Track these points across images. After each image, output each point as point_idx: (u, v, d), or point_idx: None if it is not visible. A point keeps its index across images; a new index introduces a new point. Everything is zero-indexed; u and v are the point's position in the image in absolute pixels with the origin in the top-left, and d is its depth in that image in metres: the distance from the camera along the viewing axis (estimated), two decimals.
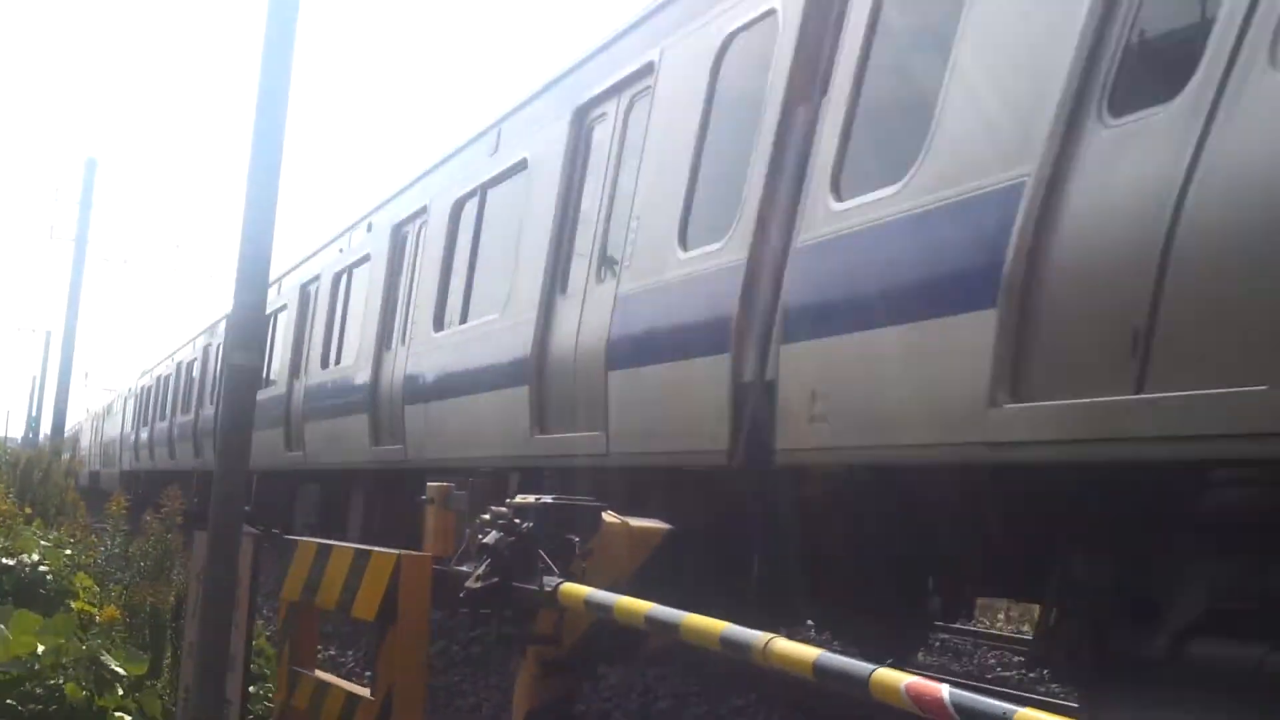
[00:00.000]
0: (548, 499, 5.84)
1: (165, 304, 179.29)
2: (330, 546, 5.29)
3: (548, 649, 5.55)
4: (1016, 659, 15.18)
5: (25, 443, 58.59)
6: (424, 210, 14.05)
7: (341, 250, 17.97)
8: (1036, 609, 7.12)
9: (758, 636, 3.72)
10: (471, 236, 12.44)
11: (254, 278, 5.68)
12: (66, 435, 52.20)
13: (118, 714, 7.58)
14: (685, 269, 7.97)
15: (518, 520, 5.57)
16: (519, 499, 5.95)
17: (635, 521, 5.95)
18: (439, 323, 12.75)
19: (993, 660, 15.35)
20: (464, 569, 5.65)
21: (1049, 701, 9.72)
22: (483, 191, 12.29)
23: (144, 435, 40.39)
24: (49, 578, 11.61)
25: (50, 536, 13.89)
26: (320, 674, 5.43)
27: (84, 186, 44.13)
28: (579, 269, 9.75)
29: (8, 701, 7.42)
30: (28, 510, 16.35)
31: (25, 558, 11.82)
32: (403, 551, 4.81)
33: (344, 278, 17.42)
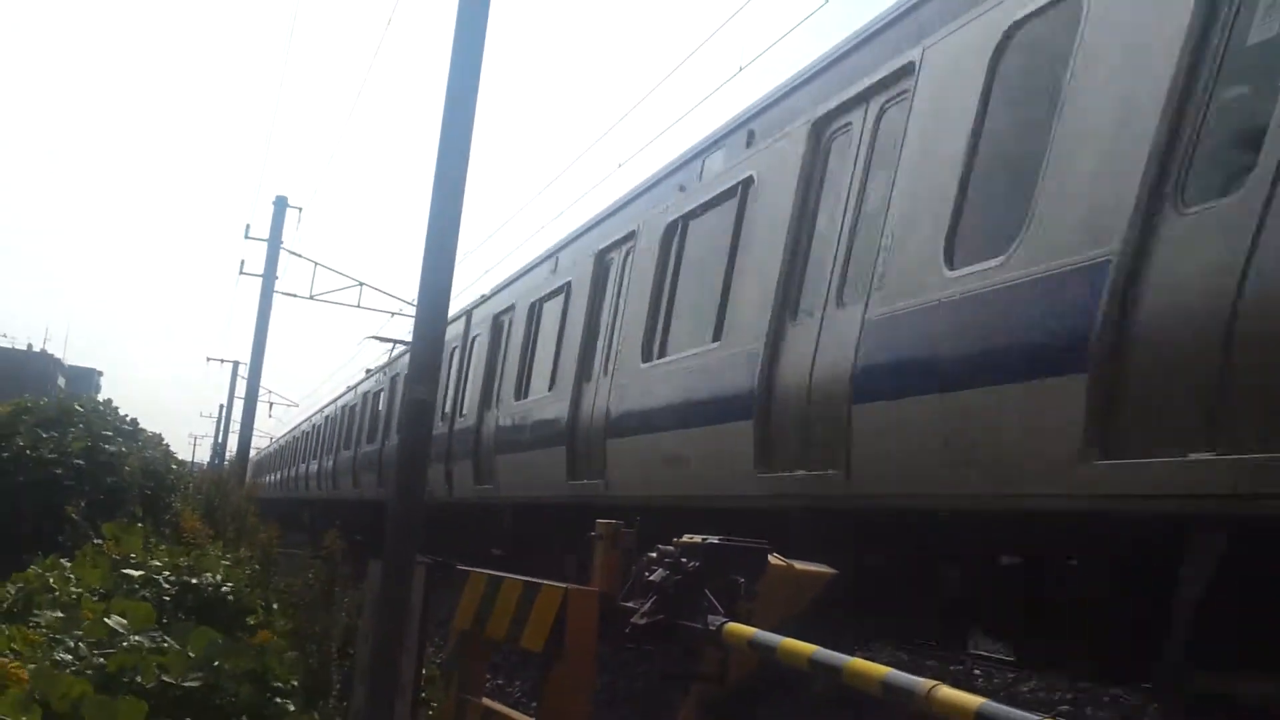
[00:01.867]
0: (714, 539, 5.88)
1: (346, 338, 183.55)
2: (501, 578, 5.39)
3: (711, 689, 5.58)
4: None
5: (211, 468, 60.44)
6: (632, 235, 13.56)
7: (538, 279, 17.59)
8: None
9: (920, 683, 3.71)
10: (684, 261, 12.06)
11: (433, 314, 5.84)
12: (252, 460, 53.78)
13: None
14: (979, 284, 7.07)
15: (684, 559, 5.62)
16: (686, 538, 5.99)
17: (800, 565, 5.96)
18: (648, 352, 12.26)
19: None
20: (630, 605, 5.72)
21: None
22: (702, 211, 11.79)
23: (328, 464, 41.43)
24: (230, 597, 12.00)
25: (228, 557, 14.36)
26: (488, 702, 5.53)
27: (273, 223, 45.45)
28: (814, 293, 9.12)
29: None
30: (210, 531, 16.90)
31: (208, 577, 12.24)
32: (570, 586, 4.89)
33: (540, 307, 17.05)
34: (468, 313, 21.95)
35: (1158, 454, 5.34)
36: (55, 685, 6.84)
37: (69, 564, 12.28)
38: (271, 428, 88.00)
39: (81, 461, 20.85)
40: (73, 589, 11.13)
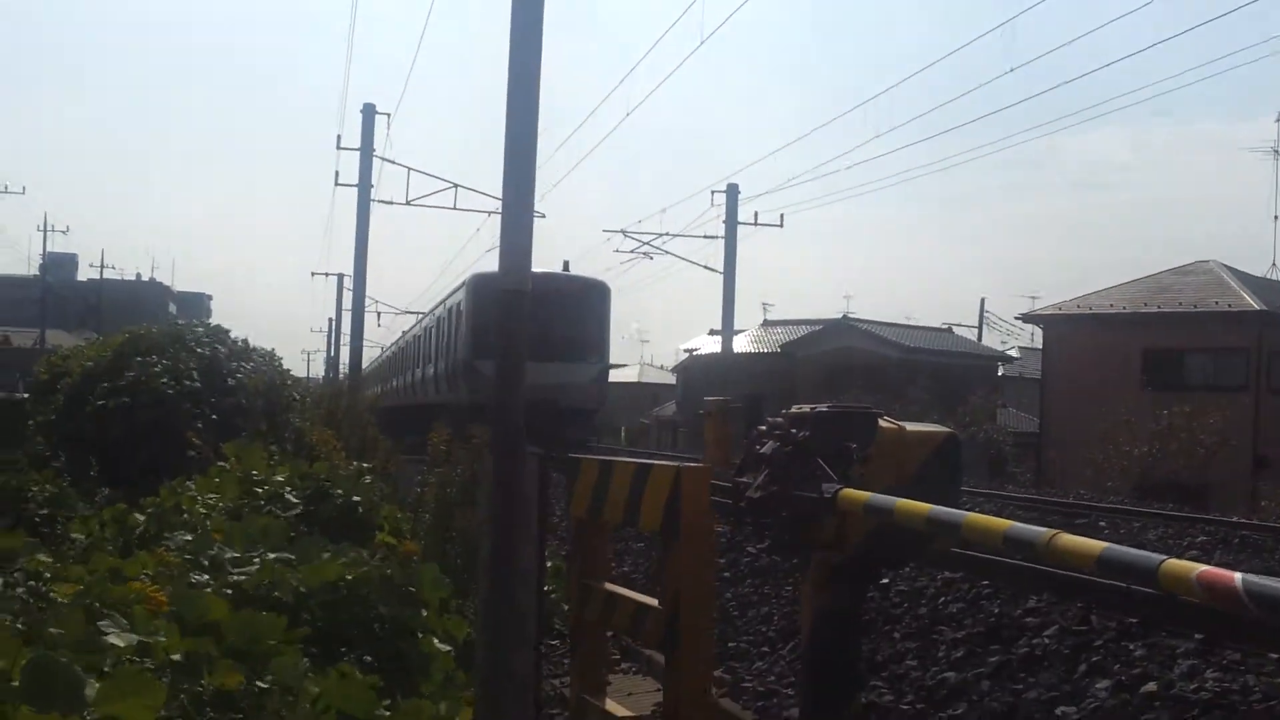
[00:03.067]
0: (823, 407, 5.83)
1: (447, 240, 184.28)
2: (612, 463, 5.39)
3: (830, 555, 5.56)
4: None
5: (326, 383, 61.26)
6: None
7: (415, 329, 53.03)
8: None
9: (1041, 533, 3.66)
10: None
11: (519, 211, 5.81)
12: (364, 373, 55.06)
13: (427, 636, 7.98)
14: None
15: (794, 430, 5.58)
16: (794, 409, 5.96)
17: (911, 426, 5.89)
18: (421, 363, 50.00)
19: None
20: (744, 479, 5.70)
21: None
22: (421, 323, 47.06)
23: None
24: (360, 510, 12.18)
25: (353, 469, 14.56)
26: (610, 586, 5.57)
27: (363, 131, 45.54)
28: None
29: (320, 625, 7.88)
30: (338, 444, 17.12)
31: (338, 490, 12.43)
32: (683, 464, 4.89)
33: (415, 339, 53.24)
34: (401, 333, 56.56)
35: None
36: (193, 606, 6.98)
37: (193, 486, 12.52)
38: (381, 337, 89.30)
39: (199, 384, 21.26)
40: (200, 509, 11.36)
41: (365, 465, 15.44)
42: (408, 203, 46.44)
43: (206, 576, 8.45)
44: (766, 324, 74.40)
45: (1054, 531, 3.62)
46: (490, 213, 48.47)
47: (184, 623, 6.90)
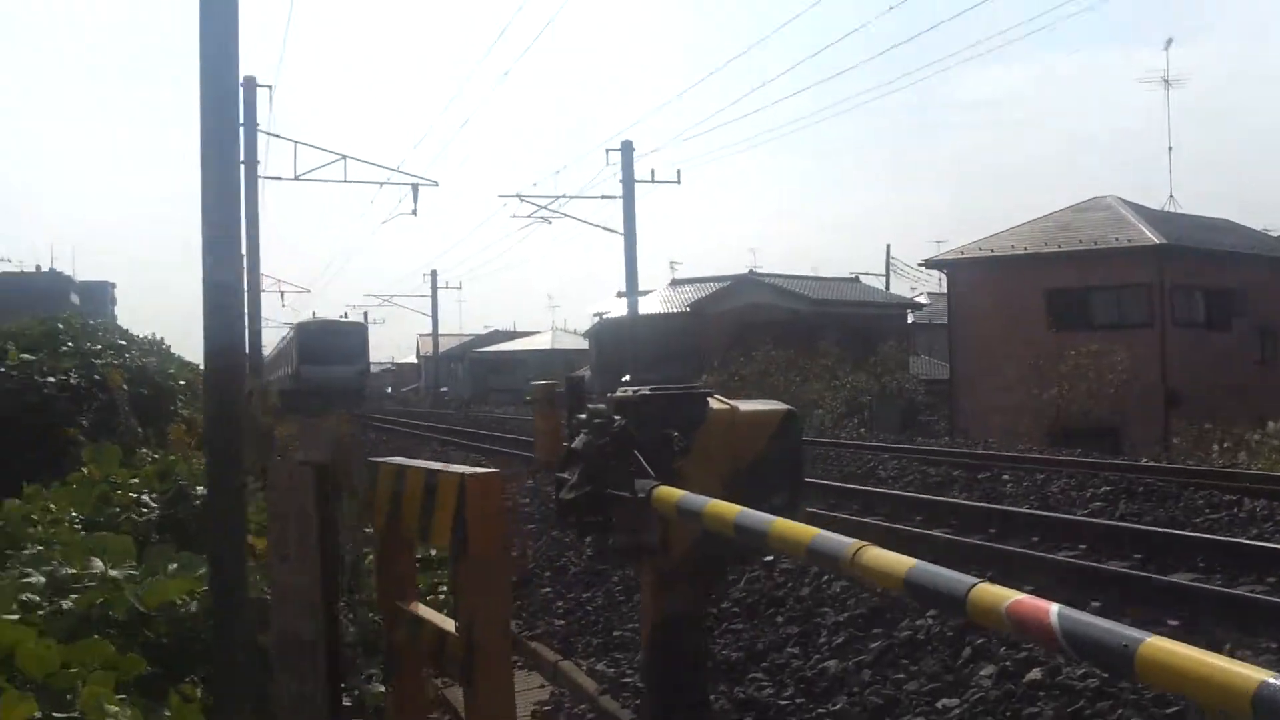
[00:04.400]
0: (645, 390, 5.24)
1: (348, 215, 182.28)
2: (405, 470, 4.76)
3: (659, 563, 4.99)
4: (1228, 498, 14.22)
5: None
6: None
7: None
8: None
9: (845, 546, 3.08)
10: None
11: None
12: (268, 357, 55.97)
13: None
14: None
15: (611, 419, 4.98)
16: (620, 393, 5.36)
17: (746, 406, 5.31)
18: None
19: (1200, 501, 14.40)
20: (565, 476, 5.11)
21: None
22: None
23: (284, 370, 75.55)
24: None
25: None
26: (418, 607, 4.94)
27: (245, 105, 44.31)
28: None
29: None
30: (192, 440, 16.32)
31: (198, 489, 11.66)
32: (469, 469, 4.25)
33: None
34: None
35: None
36: None
37: (49, 493, 11.73)
38: (289, 315, 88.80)
39: (76, 380, 20.36)
40: (48, 521, 10.61)
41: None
42: (296, 177, 45.50)
43: (39, 598, 7.77)
44: (675, 283, 73.90)
45: (859, 545, 3.05)
46: (382, 184, 47.78)
47: None
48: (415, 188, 46.64)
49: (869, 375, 44.85)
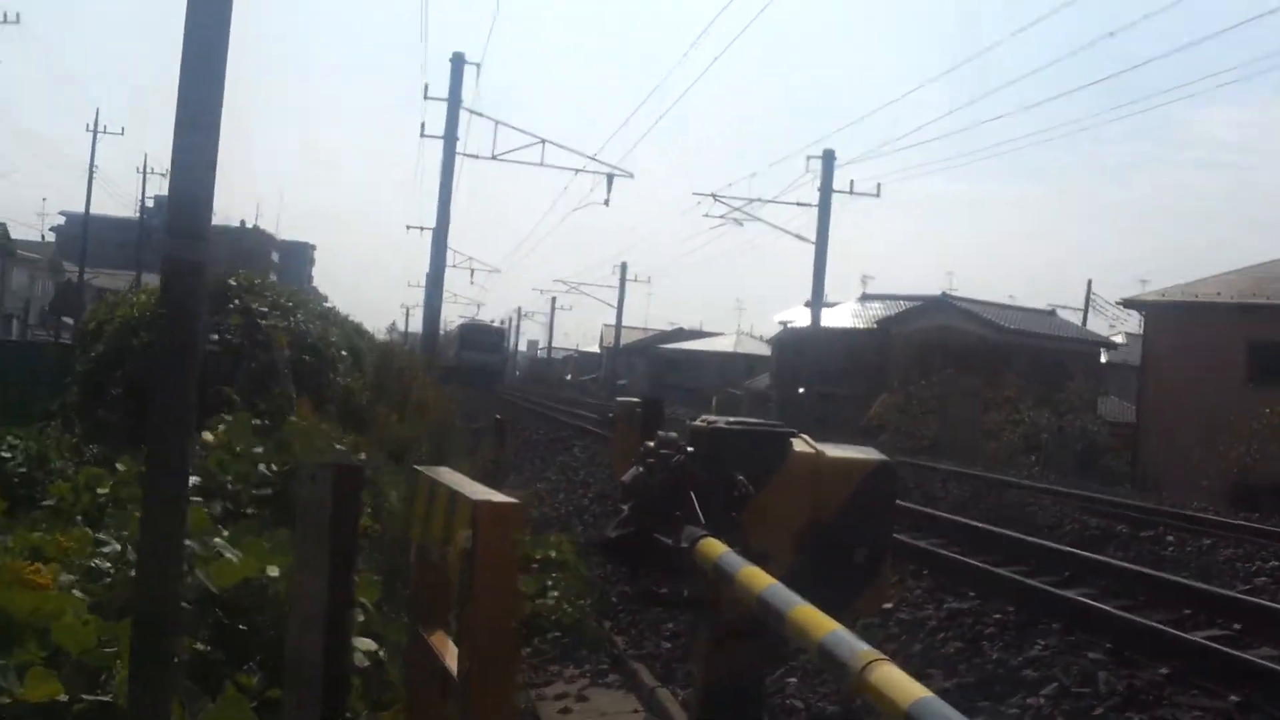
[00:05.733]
0: (720, 421, 4.68)
1: (543, 198, 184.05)
2: (437, 482, 4.27)
3: (711, 618, 4.42)
4: None
5: (394, 339, 61.11)
6: None
7: None
8: None
9: (858, 653, 2.51)
10: None
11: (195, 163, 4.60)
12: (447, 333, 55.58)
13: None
14: None
15: (674, 452, 4.44)
16: (700, 420, 4.81)
17: (833, 451, 4.70)
18: None
19: None
20: (623, 508, 4.58)
21: None
22: None
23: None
24: None
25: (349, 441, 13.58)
26: (439, 638, 4.44)
27: (451, 81, 44.67)
28: None
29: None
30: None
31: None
32: (485, 496, 3.74)
33: None
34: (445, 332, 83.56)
35: None
36: (30, 602, 6.01)
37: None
38: (477, 294, 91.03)
39: (239, 339, 20.49)
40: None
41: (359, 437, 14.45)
42: (494, 157, 45.67)
43: (110, 564, 7.51)
44: (865, 298, 72.74)
45: (873, 656, 2.47)
46: (577, 171, 47.82)
47: (11, 622, 5.97)
48: (610, 177, 46.58)
49: (1051, 411, 43.33)
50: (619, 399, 5.28)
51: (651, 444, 4.60)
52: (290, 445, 12.15)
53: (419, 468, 4.71)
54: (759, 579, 3.25)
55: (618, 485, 4.81)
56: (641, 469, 4.36)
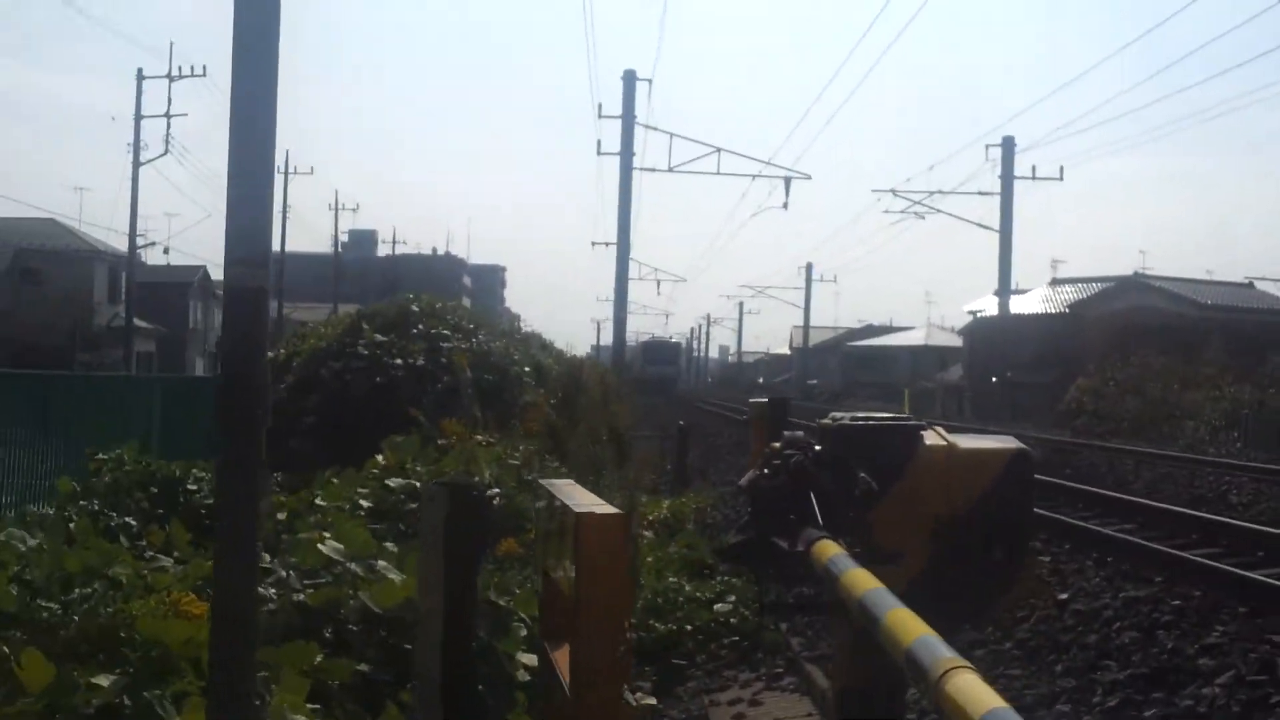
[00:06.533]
0: (845, 417, 4.51)
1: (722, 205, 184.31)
2: (555, 495, 4.19)
3: (841, 623, 4.26)
4: None
5: (588, 356, 61.53)
6: None
7: None
8: None
9: (937, 660, 2.35)
10: None
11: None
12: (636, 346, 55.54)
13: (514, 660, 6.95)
14: None
15: (794, 451, 4.29)
16: (829, 418, 4.65)
17: (966, 442, 4.50)
18: None
19: None
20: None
21: None
22: None
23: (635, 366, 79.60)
24: (496, 500, 11.15)
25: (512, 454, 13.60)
26: (562, 655, 4.36)
27: (624, 99, 45.03)
28: None
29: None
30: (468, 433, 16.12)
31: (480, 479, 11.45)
32: (589, 508, 3.65)
33: None
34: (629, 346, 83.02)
35: None
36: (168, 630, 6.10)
37: (337, 482, 11.73)
38: (665, 305, 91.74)
39: (423, 362, 20.84)
40: (331, 508, 10.56)
41: (526, 451, 14.45)
42: (670, 169, 45.83)
43: (273, 591, 7.60)
44: (1055, 283, 71.02)
45: (954, 663, 2.31)
46: (754, 176, 47.78)
47: (167, 653, 6.07)
48: (787, 180, 46.42)
49: (1254, 386, 41.67)
50: (751, 400, 5.14)
51: (777, 445, 4.46)
52: (466, 462, 12.26)
53: (542, 481, 4.64)
54: (862, 581, 3.09)
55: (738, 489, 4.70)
56: (762, 471, 4.22)
